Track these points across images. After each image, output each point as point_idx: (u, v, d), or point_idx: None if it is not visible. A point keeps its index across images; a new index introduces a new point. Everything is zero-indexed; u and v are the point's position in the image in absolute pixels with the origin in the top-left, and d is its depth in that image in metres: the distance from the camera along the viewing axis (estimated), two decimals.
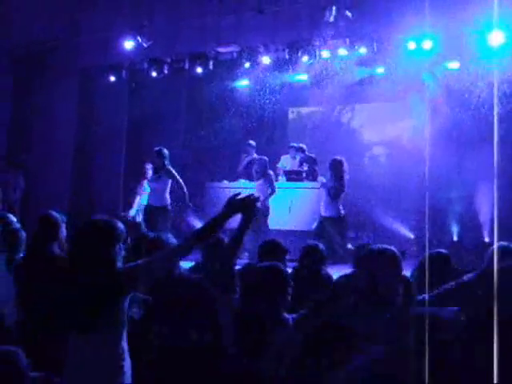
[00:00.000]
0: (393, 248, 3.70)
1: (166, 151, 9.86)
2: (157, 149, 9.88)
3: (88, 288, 3.35)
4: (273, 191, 10.11)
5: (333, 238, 9.47)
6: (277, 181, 11.00)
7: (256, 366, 3.61)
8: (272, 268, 3.99)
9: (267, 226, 10.02)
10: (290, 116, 14.88)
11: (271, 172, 10.57)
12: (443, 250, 4.52)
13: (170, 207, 9.93)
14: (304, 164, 11.96)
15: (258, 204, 3.50)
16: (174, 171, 9.84)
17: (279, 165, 12.35)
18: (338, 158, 10.10)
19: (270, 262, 4.35)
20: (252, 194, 3.51)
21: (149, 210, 10.00)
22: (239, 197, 3.48)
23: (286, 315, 3.82)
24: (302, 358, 3.55)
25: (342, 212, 9.89)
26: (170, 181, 9.87)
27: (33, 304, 4.68)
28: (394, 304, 3.54)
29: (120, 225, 3.54)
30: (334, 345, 3.20)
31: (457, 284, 3.88)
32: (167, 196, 9.92)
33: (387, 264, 3.58)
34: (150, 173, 10.69)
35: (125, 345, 3.42)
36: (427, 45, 10.36)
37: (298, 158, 12.21)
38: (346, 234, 10.06)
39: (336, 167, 9.96)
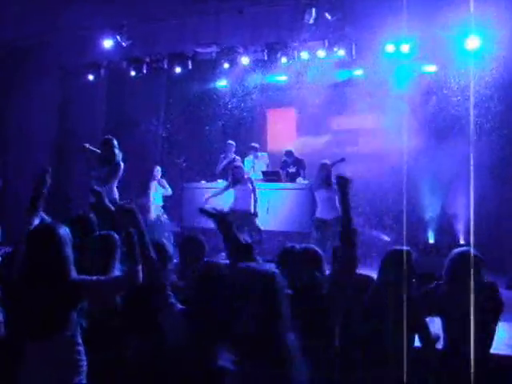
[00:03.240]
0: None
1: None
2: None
3: (42, 297, 3.45)
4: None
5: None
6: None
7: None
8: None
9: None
10: (269, 116, 14.90)
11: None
12: (403, 247, 4.52)
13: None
14: (291, 166, 12.01)
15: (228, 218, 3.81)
16: None
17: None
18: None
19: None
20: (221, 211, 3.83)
21: None
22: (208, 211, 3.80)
23: None
24: None
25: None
26: None
27: None
28: None
29: (66, 229, 3.63)
30: None
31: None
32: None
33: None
34: (158, 174, 10.87)
35: (81, 348, 3.56)
36: (405, 48, 10.46)
37: (256, 156, 12.32)
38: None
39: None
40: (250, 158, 12.41)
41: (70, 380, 3.47)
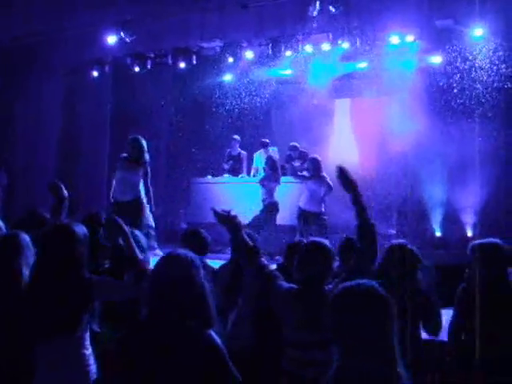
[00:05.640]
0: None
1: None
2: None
3: (55, 295, 3.39)
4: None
5: (314, 233, 9.49)
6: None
7: None
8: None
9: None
10: (274, 110, 14.86)
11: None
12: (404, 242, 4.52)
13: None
14: (296, 161, 11.98)
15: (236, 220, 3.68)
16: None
17: (254, 164, 12.36)
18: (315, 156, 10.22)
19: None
20: (229, 212, 3.69)
21: None
22: (219, 213, 3.69)
23: None
24: None
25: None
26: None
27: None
28: None
29: (83, 228, 3.59)
30: None
31: None
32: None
33: None
34: None
35: (88, 351, 3.50)
36: (410, 39, 10.41)
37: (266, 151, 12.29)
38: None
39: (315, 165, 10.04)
40: (260, 152, 12.38)
41: (83, 379, 3.42)
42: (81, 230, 3.58)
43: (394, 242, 4.48)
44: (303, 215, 9.97)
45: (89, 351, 3.50)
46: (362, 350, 2.41)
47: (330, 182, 9.64)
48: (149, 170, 8.70)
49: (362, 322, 2.43)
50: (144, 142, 8.63)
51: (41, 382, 3.41)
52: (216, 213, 3.71)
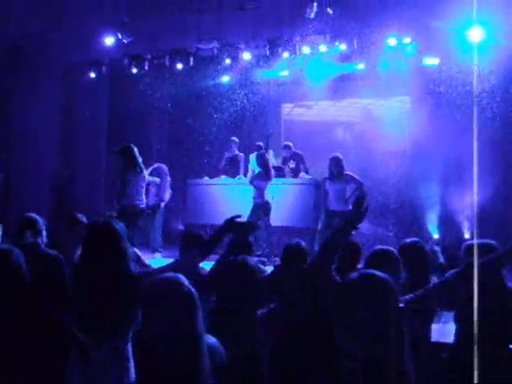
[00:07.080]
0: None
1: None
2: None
3: (103, 293, 3.34)
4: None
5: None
6: None
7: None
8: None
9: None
10: (271, 112, 14.85)
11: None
12: (417, 239, 4.52)
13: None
14: (291, 161, 11.95)
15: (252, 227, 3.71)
16: None
17: (250, 165, 12.31)
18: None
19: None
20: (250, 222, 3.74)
21: None
22: (237, 220, 3.65)
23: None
24: None
25: None
26: None
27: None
28: None
29: (121, 225, 3.59)
30: None
31: (440, 283, 3.77)
32: None
33: None
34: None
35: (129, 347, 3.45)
36: (407, 41, 10.42)
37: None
38: None
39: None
40: (254, 154, 12.35)
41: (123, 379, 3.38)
42: (120, 226, 3.55)
43: (407, 240, 4.47)
44: (329, 216, 9.70)
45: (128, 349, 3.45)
46: (165, 339, 2.51)
47: (358, 178, 9.54)
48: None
49: (165, 313, 2.53)
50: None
51: (83, 376, 3.33)
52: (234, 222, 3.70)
